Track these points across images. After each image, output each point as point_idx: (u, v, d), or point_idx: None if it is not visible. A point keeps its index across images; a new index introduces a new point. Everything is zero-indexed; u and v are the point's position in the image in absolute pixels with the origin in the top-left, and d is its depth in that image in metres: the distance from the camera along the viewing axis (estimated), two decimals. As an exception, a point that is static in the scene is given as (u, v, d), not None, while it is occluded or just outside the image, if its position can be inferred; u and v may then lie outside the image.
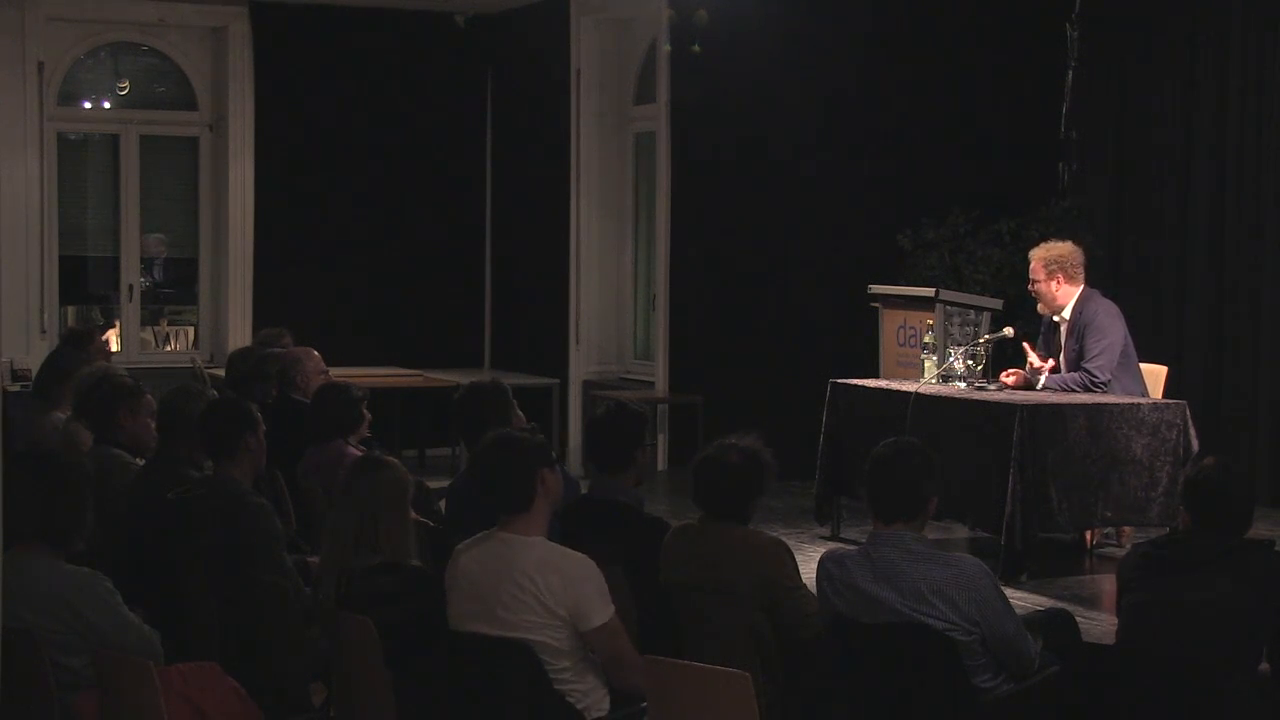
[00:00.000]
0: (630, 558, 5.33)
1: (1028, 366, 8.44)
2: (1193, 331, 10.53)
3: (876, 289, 9.49)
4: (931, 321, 8.77)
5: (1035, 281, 8.50)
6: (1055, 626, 5.40)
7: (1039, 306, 8.60)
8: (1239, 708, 4.69)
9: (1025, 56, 11.47)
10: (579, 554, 4.84)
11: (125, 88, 13.16)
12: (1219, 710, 4.63)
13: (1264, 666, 4.89)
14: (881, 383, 8.96)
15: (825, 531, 8.91)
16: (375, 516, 5.10)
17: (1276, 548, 4.98)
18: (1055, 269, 8.44)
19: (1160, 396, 8.57)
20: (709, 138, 11.35)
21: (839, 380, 8.99)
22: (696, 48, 9.87)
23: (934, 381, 8.50)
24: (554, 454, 5.07)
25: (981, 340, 8.64)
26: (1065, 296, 8.45)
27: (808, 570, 5.11)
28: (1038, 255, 8.53)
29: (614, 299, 12.65)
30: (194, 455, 6.36)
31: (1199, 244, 10.52)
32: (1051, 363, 8.43)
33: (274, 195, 12.86)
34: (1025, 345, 8.56)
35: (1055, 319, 8.56)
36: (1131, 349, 8.45)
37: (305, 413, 7.48)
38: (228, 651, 5.40)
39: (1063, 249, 8.53)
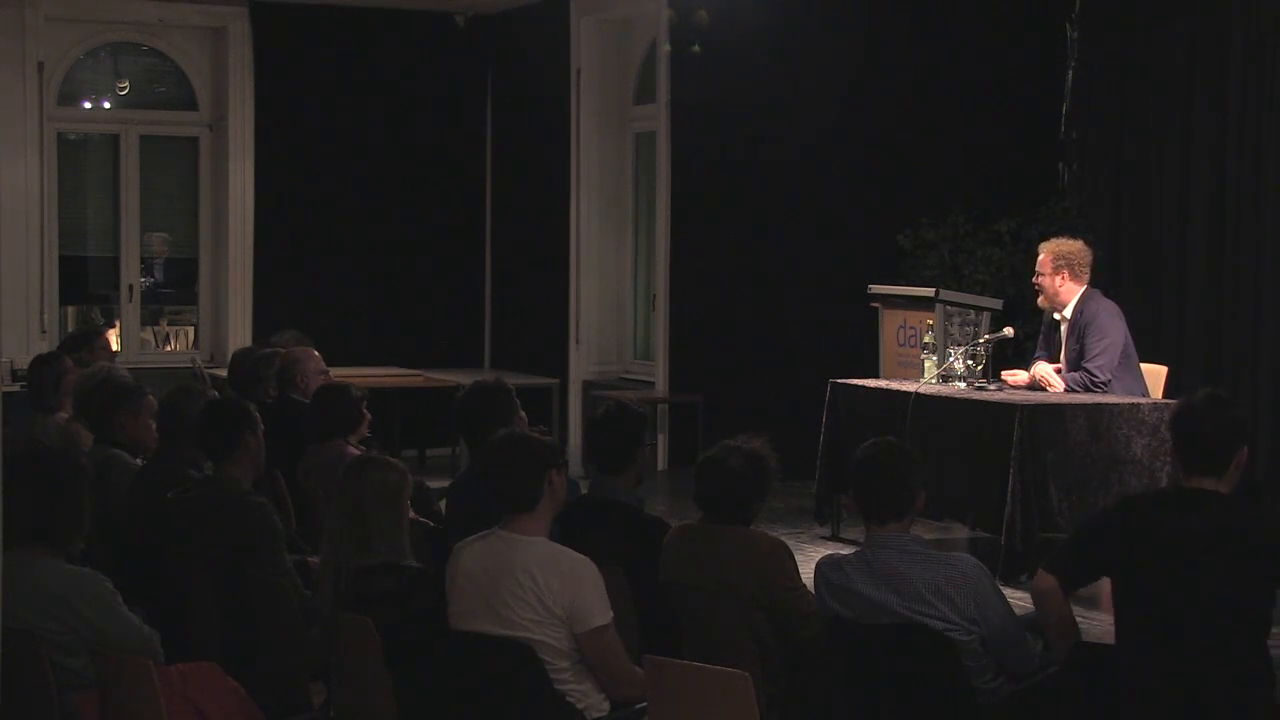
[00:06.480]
0: (630, 558, 5.33)
1: (1036, 379, 8.39)
2: (1193, 331, 10.52)
3: (876, 289, 9.49)
4: (931, 321, 8.77)
5: (1040, 274, 8.47)
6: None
7: (1039, 299, 8.57)
8: (1238, 707, 4.68)
9: (1025, 56, 11.48)
10: (580, 555, 4.84)
11: (125, 88, 13.16)
12: (1218, 710, 4.62)
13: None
14: (881, 383, 8.96)
15: (825, 531, 8.91)
16: (369, 516, 5.10)
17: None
18: (1062, 265, 8.44)
19: (1160, 396, 8.56)
20: (709, 138, 11.35)
21: (839, 380, 8.99)
22: (696, 48, 9.88)
23: (934, 381, 8.50)
24: (563, 458, 5.07)
25: (981, 340, 8.64)
26: (1068, 294, 8.45)
27: (807, 571, 5.11)
28: (1048, 248, 8.51)
29: (614, 299, 12.64)
30: (194, 455, 6.36)
31: (1199, 244, 10.51)
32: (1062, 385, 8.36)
33: (274, 195, 12.85)
34: (1044, 375, 8.40)
35: (1056, 317, 8.56)
36: (1132, 349, 8.45)
37: (305, 413, 7.49)
38: (228, 651, 5.40)
39: (1074, 246, 8.53)
